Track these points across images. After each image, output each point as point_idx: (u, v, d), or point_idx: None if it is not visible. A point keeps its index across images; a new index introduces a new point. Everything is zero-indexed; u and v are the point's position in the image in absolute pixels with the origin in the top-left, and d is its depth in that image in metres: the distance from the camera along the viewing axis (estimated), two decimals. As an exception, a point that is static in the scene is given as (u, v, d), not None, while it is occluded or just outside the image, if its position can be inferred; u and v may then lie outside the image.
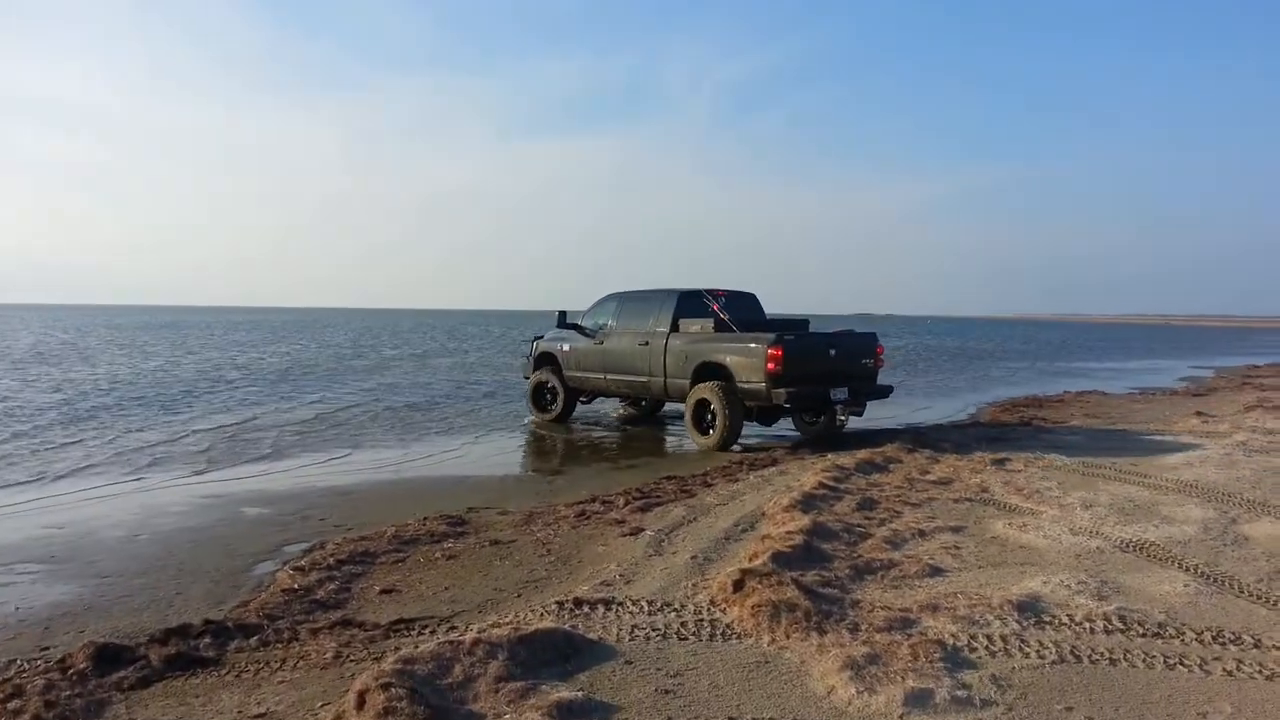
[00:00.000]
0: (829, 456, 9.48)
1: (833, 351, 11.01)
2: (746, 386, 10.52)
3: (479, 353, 33.40)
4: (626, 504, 7.39)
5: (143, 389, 17.39)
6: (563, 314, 13.20)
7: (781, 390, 10.21)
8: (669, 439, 12.30)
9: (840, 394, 10.79)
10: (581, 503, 7.51)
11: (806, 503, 6.78)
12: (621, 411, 14.50)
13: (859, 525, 6.34)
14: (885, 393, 11.72)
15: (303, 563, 5.73)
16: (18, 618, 4.68)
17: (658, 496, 7.71)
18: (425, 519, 6.91)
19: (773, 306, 13.25)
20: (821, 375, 10.67)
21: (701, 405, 10.92)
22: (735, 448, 10.80)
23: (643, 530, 6.43)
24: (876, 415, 14.99)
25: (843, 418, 11.36)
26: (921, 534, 6.22)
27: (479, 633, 4.10)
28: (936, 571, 5.35)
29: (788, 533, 5.73)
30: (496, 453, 11.04)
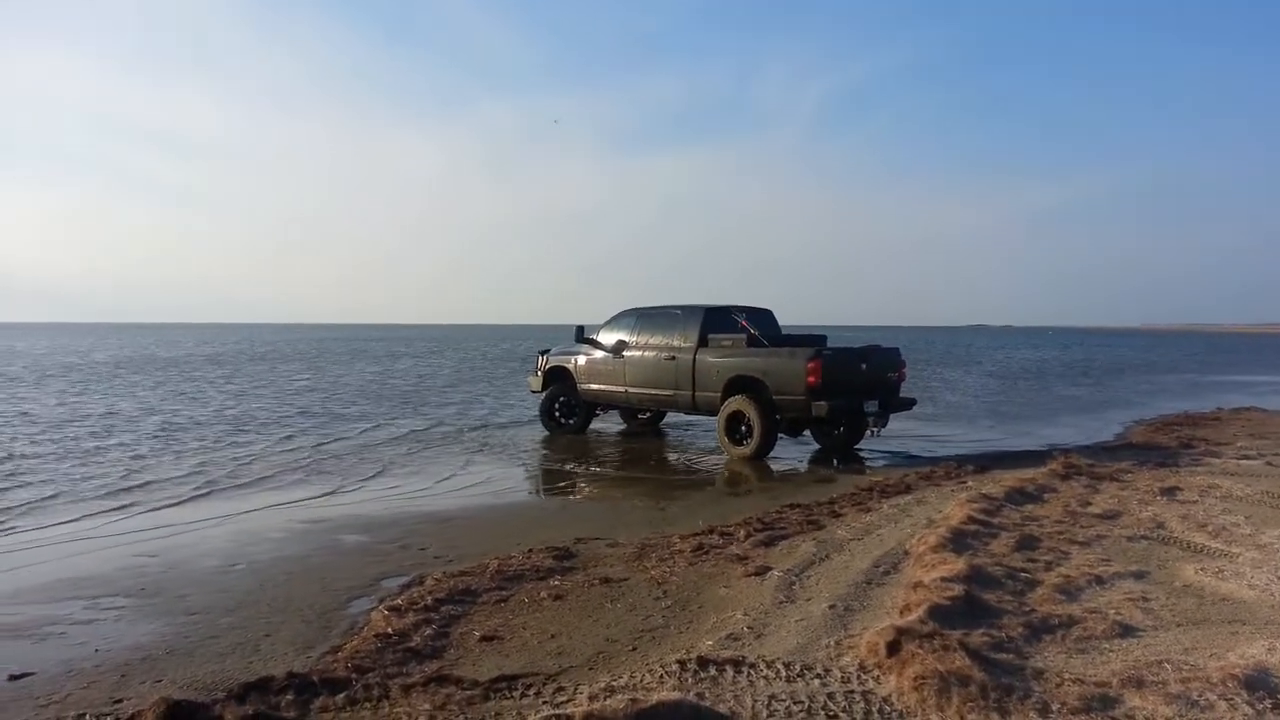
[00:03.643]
0: (970, 483, 8.56)
1: (864, 366, 11.15)
2: (784, 399, 10.63)
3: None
4: (747, 536, 6.70)
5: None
6: (580, 329, 13.23)
7: (823, 403, 10.31)
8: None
9: (871, 406, 10.96)
10: (698, 534, 6.84)
11: (957, 541, 5.95)
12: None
13: (1022, 570, 5.48)
14: (909, 405, 11.93)
15: (399, 601, 5.26)
16: (95, 662, 4.33)
17: (781, 528, 6.99)
18: (530, 551, 6.39)
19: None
20: (855, 388, 10.82)
21: (735, 417, 11.03)
22: (845, 468, 10.02)
23: (769, 569, 5.74)
24: (1014, 437, 13.88)
25: (873, 429, 11.45)
26: (1099, 581, 5.33)
27: (590, 702, 3.51)
28: (1128, 631, 4.49)
29: (942, 579, 4.93)
30: (602, 473, 10.51)
